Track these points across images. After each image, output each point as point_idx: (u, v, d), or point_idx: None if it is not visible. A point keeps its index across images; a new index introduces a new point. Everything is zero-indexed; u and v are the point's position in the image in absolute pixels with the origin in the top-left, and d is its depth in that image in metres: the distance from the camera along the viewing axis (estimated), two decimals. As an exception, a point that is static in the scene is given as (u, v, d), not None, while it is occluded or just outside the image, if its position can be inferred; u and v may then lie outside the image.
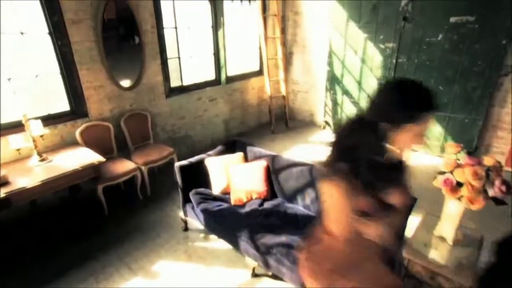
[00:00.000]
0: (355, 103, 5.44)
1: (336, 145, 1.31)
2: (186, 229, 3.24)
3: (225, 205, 2.92)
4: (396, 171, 1.36)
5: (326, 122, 6.03)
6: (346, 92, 5.50)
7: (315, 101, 6.18)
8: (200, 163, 3.17)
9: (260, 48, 5.83)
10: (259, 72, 6.05)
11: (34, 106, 3.29)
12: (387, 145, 1.24)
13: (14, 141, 2.89)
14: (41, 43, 3.32)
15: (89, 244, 3.07)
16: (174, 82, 4.61)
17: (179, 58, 4.56)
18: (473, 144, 4.27)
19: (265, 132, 5.94)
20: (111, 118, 3.84)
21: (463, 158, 1.85)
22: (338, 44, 5.33)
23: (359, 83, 5.27)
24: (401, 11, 4.47)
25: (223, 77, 5.29)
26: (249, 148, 3.31)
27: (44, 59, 3.43)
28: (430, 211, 2.34)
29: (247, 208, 2.85)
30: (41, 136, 2.95)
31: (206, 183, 3.16)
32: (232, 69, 5.57)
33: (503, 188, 1.66)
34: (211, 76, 5.25)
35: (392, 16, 4.57)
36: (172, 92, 4.55)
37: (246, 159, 3.29)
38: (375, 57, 4.95)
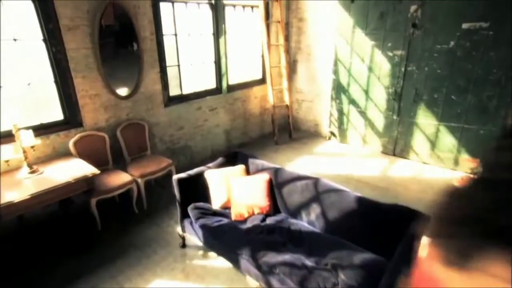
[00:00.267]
0: (362, 113, 5.39)
1: (483, 188, 0.57)
2: (184, 245, 3.17)
3: (225, 220, 2.87)
4: None
5: (332, 133, 5.97)
6: (352, 102, 5.47)
7: (320, 111, 6.14)
8: (200, 175, 3.13)
9: (262, 56, 5.84)
10: (262, 81, 6.04)
11: (25, 115, 3.25)
12: None
13: (3, 152, 2.85)
14: (34, 50, 3.31)
15: (80, 261, 3.00)
16: (173, 91, 4.59)
17: (178, 66, 4.56)
18: (489, 157, 4.18)
19: (267, 143, 5.90)
20: (107, 128, 3.80)
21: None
22: (344, 52, 5.32)
23: (366, 92, 5.24)
24: (410, 18, 4.46)
25: (224, 85, 5.28)
26: (251, 160, 3.27)
27: (37, 66, 3.42)
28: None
29: (248, 224, 2.80)
30: (32, 147, 2.92)
31: (205, 197, 3.11)
32: (233, 77, 5.56)
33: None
34: (212, 84, 5.24)
35: (401, 22, 4.57)
36: (171, 101, 4.52)
37: (247, 171, 3.25)
38: (383, 65, 4.92)
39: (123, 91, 3.90)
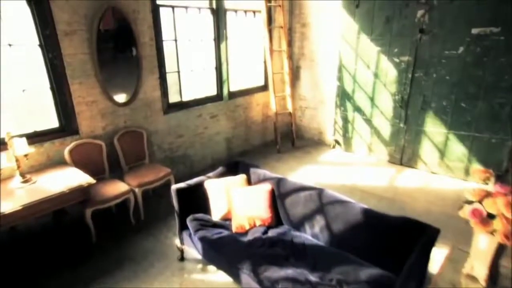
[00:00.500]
0: (368, 121, 5.37)
1: None
2: (182, 258, 3.13)
3: (225, 232, 2.84)
4: None
5: (336, 141, 5.95)
6: (357, 109, 5.45)
7: (324, 118, 6.12)
8: (199, 185, 3.11)
9: (265, 62, 5.85)
10: (264, 87, 6.04)
11: (19, 122, 3.25)
12: None
13: (-4, 160, 2.84)
14: (30, 56, 3.32)
15: (74, 274, 2.96)
16: (173, 98, 4.59)
17: (178, 72, 4.57)
18: (503, 167, 4.15)
19: (270, 151, 5.88)
20: (104, 136, 3.80)
21: (492, 185, 1.74)
22: (348, 58, 5.32)
23: (372, 99, 5.23)
24: (417, 23, 4.46)
25: (225, 92, 5.28)
26: (252, 170, 3.25)
27: (32, 72, 3.42)
28: (457, 243, 2.21)
29: (249, 237, 2.76)
30: (25, 155, 2.90)
31: (205, 208, 3.08)
32: (235, 84, 5.57)
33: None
34: (213, 91, 5.24)
35: (407, 28, 4.57)
36: (171, 108, 4.52)
37: (249, 181, 3.23)
38: (389, 72, 4.92)
39: (121, 97, 3.90)
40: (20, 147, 2.85)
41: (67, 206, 3.10)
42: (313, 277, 2.26)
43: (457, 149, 4.55)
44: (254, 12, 5.57)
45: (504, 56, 3.95)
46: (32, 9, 3.13)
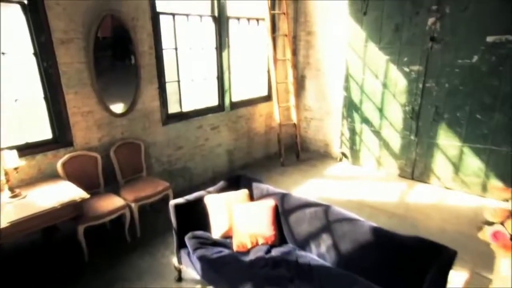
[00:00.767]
0: (376, 133, 5.33)
1: None
2: (179, 279, 3.08)
3: (226, 251, 2.80)
4: None
5: (343, 154, 5.90)
6: (365, 120, 5.42)
7: (330, 130, 6.09)
8: (199, 201, 3.08)
9: (268, 71, 5.86)
10: (268, 98, 6.04)
11: (10, 133, 3.23)
12: None
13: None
14: (24, 64, 3.32)
15: (64, 296, 2.90)
16: (172, 108, 4.59)
17: (178, 81, 4.57)
18: (524, 183, 4.06)
19: (273, 165, 5.84)
20: (100, 148, 3.78)
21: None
22: (356, 67, 5.31)
23: (380, 110, 5.19)
24: (428, 31, 4.45)
25: (227, 102, 5.27)
26: (255, 185, 3.22)
27: (26, 81, 3.42)
28: (475, 267, 2.12)
29: (251, 256, 2.72)
30: (15, 168, 2.87)
31: (204, 224, 3.05)
32: (237, 94, 5.57)
33: None
34: (214, 101, 5.24)
35: (418, 36, 4.56)
36: (170, 119, 4.51)
37: (251, 197, 3.20)
38: (399, 82, 4.89)
39: (118, 108, 3.89)
40: (10, 160, 2.82)
41: (59, 222, 3.05)
42: (319, 302, 2.19)
43: (473, 163, 4.48)
44: (257, 20, 5.60)
45: (521, 65, 3.91)
46: (28, 17, 3.15)
